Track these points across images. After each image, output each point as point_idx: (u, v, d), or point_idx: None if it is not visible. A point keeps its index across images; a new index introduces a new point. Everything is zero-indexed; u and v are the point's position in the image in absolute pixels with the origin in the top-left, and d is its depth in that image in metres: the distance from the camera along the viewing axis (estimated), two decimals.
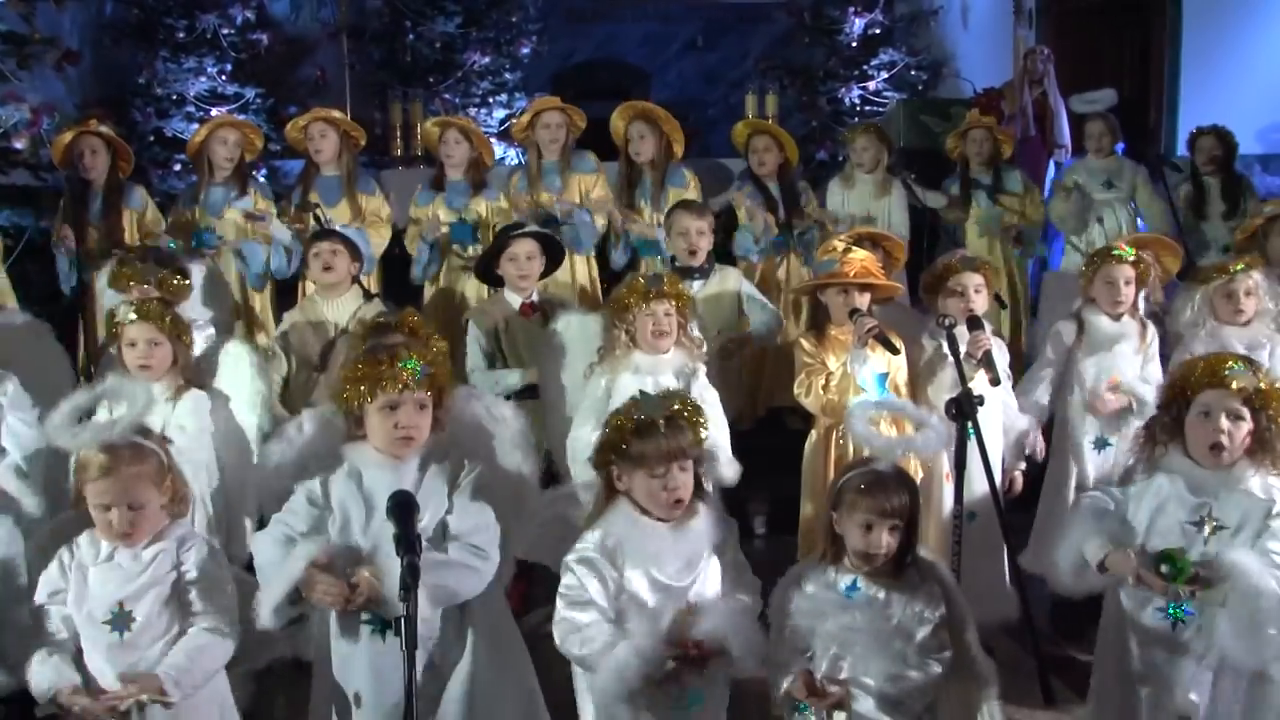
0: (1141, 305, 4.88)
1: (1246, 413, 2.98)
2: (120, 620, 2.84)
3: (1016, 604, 4.09)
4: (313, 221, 5.73)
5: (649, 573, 2.83)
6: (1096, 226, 6.71)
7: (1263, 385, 2.99)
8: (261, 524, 3.53)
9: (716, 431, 3.85)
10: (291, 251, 5.87)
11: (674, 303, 4.08)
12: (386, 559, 2.66)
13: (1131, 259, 4.47)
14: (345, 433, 2.94)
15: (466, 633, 2.93)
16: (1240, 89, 8.04)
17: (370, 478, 2.86)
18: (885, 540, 2.85)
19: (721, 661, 2.78)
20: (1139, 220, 6.75)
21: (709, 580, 2.89)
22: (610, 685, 2.72)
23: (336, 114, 6.35)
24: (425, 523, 2.77)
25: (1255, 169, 7.72)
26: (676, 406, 2.87)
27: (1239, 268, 4.51)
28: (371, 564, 2.73)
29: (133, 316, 3.93)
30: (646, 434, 2.81)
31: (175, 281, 4.68)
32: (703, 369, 4.16)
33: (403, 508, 2.55)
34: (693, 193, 6.07)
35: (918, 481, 4.21)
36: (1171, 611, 3.01)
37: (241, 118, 7.22)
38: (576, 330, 4.52)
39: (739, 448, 4.13)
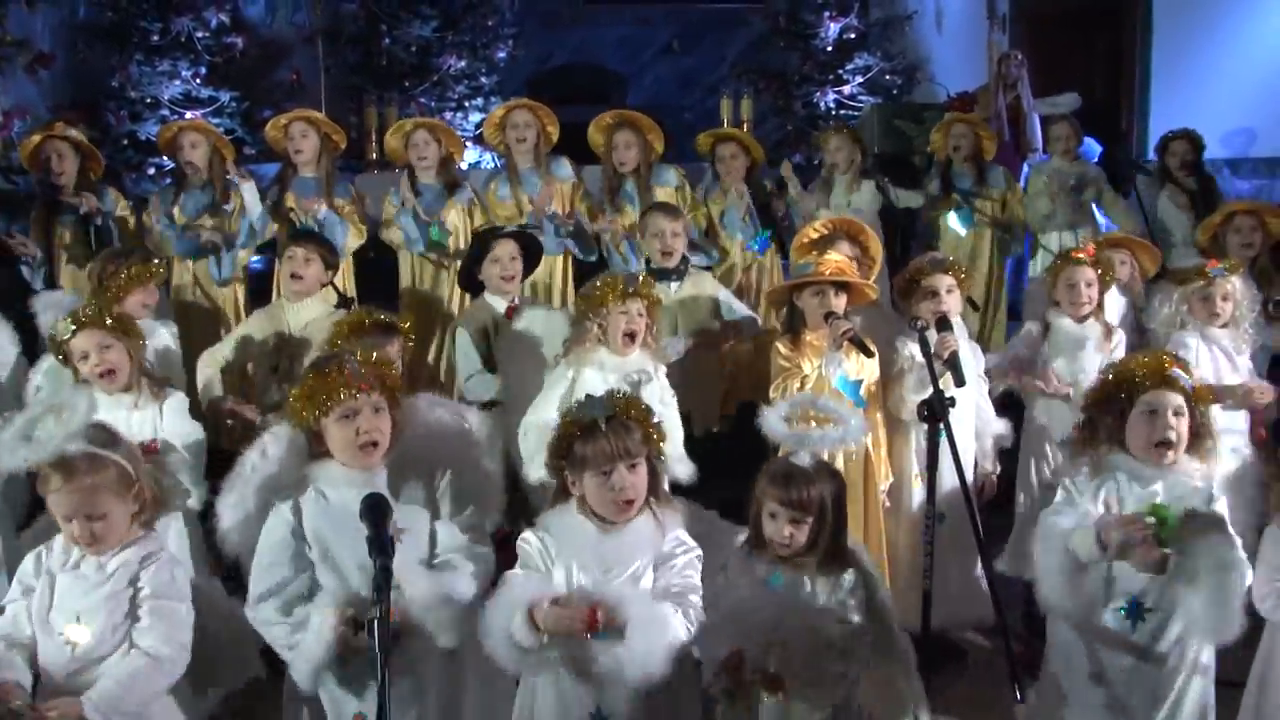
0: (1119, 306, 4.95)
1: (1187, 410, 3.10)
2: (73, 629, 2.79)
3: (989, 604, 4.11)
4: (289, 224, 5.71)
5: (570, 570, 2.80)
6: (1055, 231, 6.79)
7: (1195, 383, 3.14)
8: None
9: (672, 431, 3.97)
10: (256, 230, 5.82)
11: (645, 304, 4.14)
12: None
13: (1091, 261, 4.52)
14: (308, 451, 2.93)
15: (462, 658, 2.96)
16: (1209, 93, 8.12)
17: (339, 496, 2.86)
18: (787, 531, 2.92)
19: (613, 628, 2.65)
20: (1104, 221, 6.81)
21: (622, 600, 2.74)
22: (494, 624, 2.66)
23: (318, 115, 6.29)
24: (404, 532, 2.78)
25: (1224, 172, 7.80)
26: (622, 407, 2.84)
27: (1218, 271, 4.55)
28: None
29: (72, 328, 3.80)
30: (589, 435, 2.79)
31: (160, 269, 4.71)
32: (663, 370, 4.22)
33: (375, 510, 2.54)
34: (686, 191, 6.14)
35: (887, 483, 4.31)
36: (1129, 609, 3.07)
37: (215, 123, 7.18)
38: (542, 327, 4.52)
39: (712, 451, 4.19)
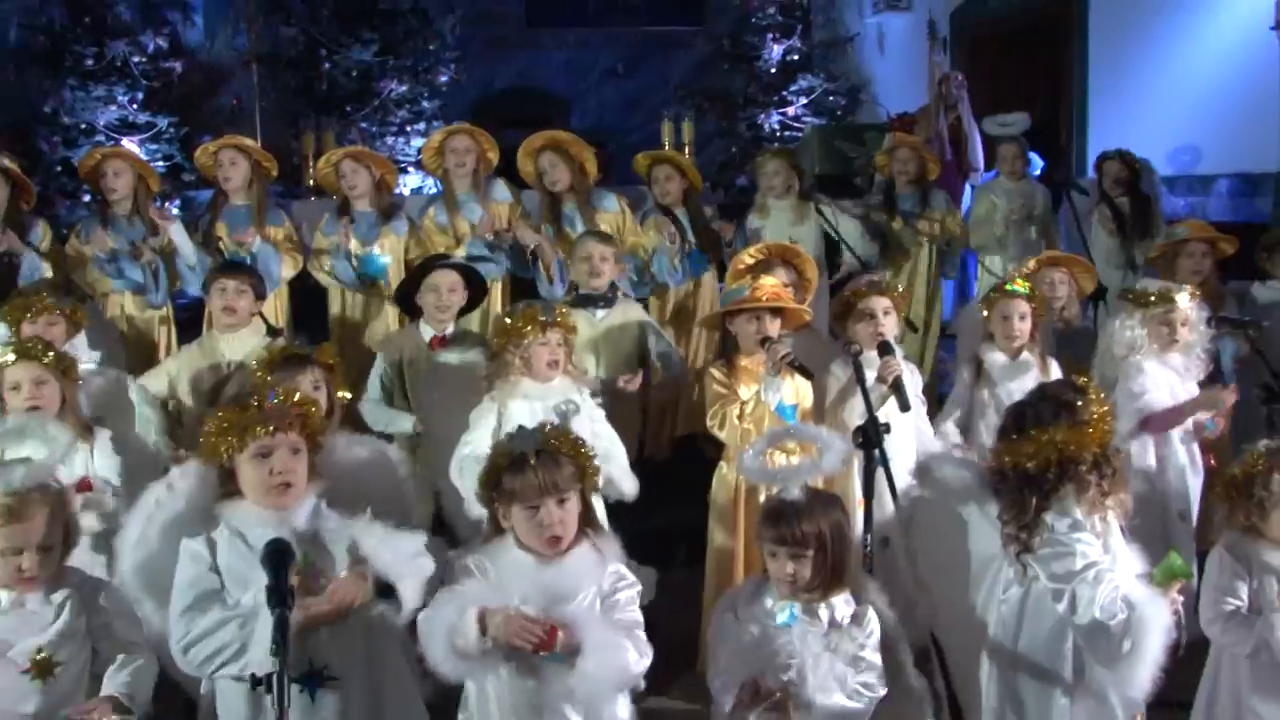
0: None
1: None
2: (41, 667, 2.73)
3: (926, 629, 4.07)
4: (218, 254, 5.59)
5: (511, 601, 2.71)
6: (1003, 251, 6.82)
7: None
8: None
9: (612, 448, 4.01)
10: (196, 269, 5.64)
11: (563, 333, 4.13)
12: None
13: (1024, 294, 4.49)
14: (218, 489, 2.78)
15: (380, 685, 2.85)
16: (1147, 112, 8.22)
17: (256, 537, 2.65)
18: (789, 568, 2.87)
19: (567, 650, 2.63)
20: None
21: (579, 623, 2.71)
22: (436, 620, 2.59)
23: (248, 142, 6.20)
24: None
25: (1161, 190, 7.87)
26: (552, 440, 2.80)
27: (1181, 297, 4.52)
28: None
29: (12, 357, 3.74)
30: (518, 469, 2.75)
31: (80, 313, 4.53)
32: (588, 393, 4.18)
33: (277, 557, 2.44)
34: (626, 217, 6.06)
35: None
36: None
37: (153, 149, 7.03)
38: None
39: (656, 478, 4.16)
